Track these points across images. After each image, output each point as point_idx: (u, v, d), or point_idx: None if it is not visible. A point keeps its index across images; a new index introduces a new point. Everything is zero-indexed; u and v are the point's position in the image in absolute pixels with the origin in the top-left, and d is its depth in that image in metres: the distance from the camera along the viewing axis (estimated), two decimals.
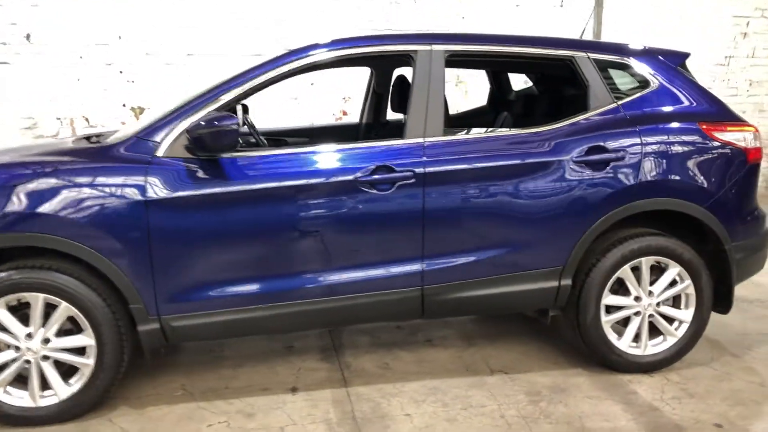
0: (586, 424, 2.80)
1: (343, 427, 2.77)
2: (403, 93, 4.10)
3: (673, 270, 3.19)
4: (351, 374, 3.28)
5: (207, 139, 2.67)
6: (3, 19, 6.77)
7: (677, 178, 3.12)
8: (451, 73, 7.23)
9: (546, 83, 4.21)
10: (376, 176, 2.86)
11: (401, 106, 4.02)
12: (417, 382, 3.19)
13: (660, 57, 3.33)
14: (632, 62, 3.26)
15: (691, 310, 3.25)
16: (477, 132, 3.18)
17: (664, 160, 3.11)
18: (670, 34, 8.06)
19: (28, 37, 6.84)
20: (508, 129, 3.20)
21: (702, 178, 3.15)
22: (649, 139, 3.10)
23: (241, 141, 3.60)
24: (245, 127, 3.55)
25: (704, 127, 3.17)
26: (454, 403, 2.98)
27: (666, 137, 3.13)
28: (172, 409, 2.94)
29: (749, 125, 3.31)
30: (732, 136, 3.21)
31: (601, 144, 3.06)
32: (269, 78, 2.91)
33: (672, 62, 3.33)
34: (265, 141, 3.74)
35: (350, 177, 2.85)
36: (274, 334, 3.68)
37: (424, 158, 2.92)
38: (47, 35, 6.85)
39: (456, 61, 3.85)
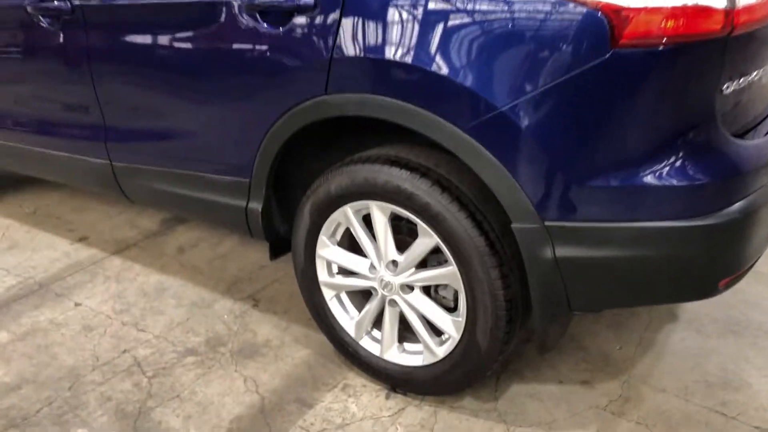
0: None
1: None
2: None
3: (427, 239, 1.68)
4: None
5: None
6: None
7: (404, 59, 1.49)
8: None
9: None
10: (41, 4, 2.21)
11: None
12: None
13: None
14: None
15: (461, 321, 1.71)
16: None
17: (381, 22, 1.51)
18: None
19: None
20: None
21: (465, 68, 1.42)
22: None
23: None
24: None
25: None
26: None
27: None
28: None
29: None
30: None
31: None
32: None
33: None
34: None
35: (20, 3, 2.27)
36: None
37: None
38: None
39: None
